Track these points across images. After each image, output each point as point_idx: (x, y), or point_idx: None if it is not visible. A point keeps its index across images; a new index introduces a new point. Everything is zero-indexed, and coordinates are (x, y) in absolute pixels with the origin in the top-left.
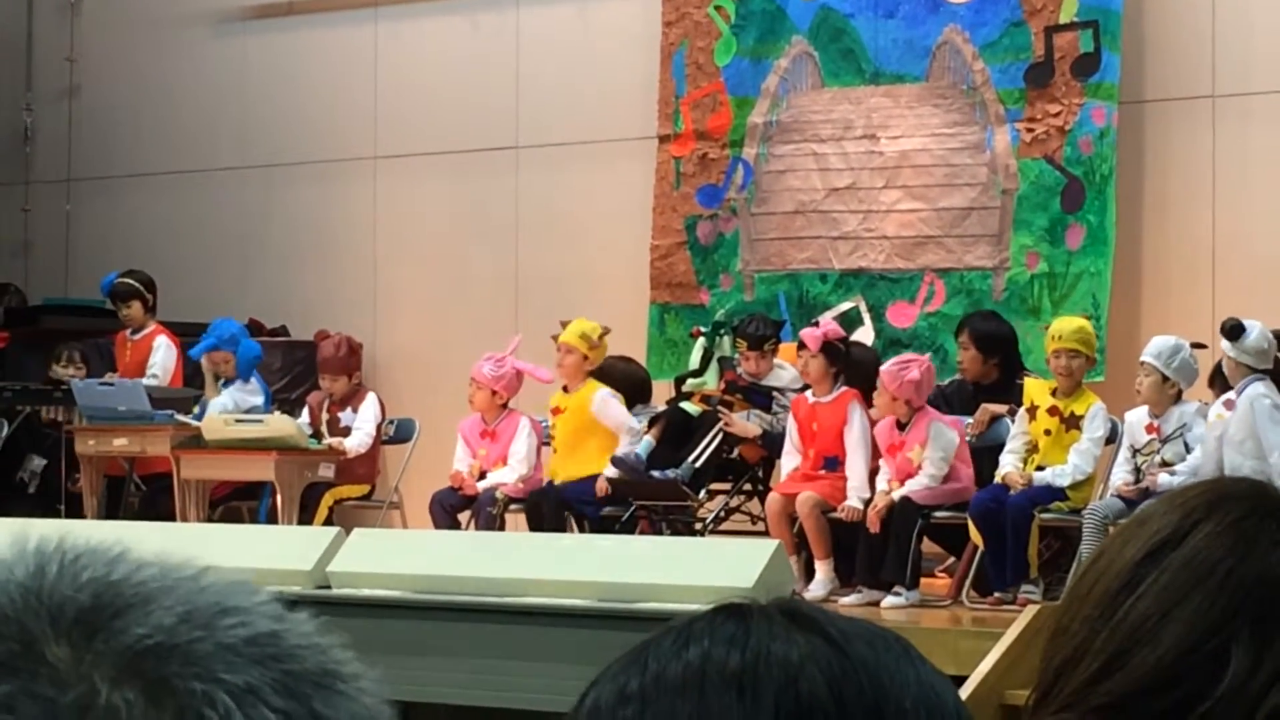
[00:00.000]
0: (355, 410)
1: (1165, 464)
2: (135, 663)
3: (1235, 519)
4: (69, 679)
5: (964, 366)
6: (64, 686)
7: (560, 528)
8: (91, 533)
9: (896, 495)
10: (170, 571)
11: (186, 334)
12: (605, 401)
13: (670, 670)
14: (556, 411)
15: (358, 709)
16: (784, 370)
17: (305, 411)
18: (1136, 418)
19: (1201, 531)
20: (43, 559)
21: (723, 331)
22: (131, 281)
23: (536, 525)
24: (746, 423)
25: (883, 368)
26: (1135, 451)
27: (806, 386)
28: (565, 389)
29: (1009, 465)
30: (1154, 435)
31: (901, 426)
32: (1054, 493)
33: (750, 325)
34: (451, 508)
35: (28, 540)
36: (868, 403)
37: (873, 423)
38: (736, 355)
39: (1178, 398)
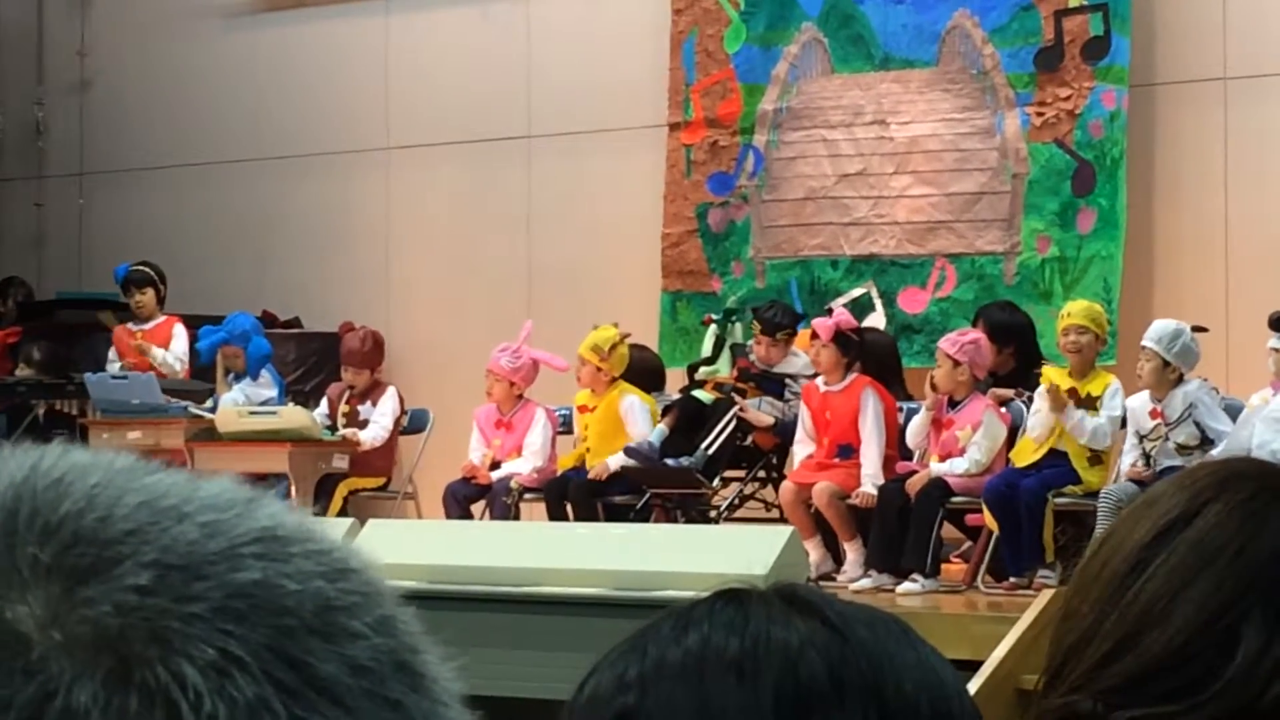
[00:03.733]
0: (375, 404)
1: (1182, 447)
2: (99, 641)
3: (1244, 498)
4: (32, 660)
5: None
6: (26, 675)
7: (592, 515)
8: (71, 459)
9: (934, 471)
10: (152, 502)
11: (200, 327)
12: (631, 408)
13: (669, 656)
14: (584, 410)
15: (359, 651)
16: (796, 357)
17: (324, 402)
18: (1139, 403)
19: (1210, 512)
20: (15, 497)
21: (735, 318)
22: (147, 269)
23: (558, 515)
24: (759, 412)
25: (941, 340)
26: (1142, 437)
27: (818, 373)
28: (592, 390)
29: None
30: (1159, 420)
31: (953, 405)
32: (1068, 476)
33: (769, 311)
34: (465, 498)
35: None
36: (886, 388)
37: (935, 394)
38: (749, 342)
39: (1179, 381)
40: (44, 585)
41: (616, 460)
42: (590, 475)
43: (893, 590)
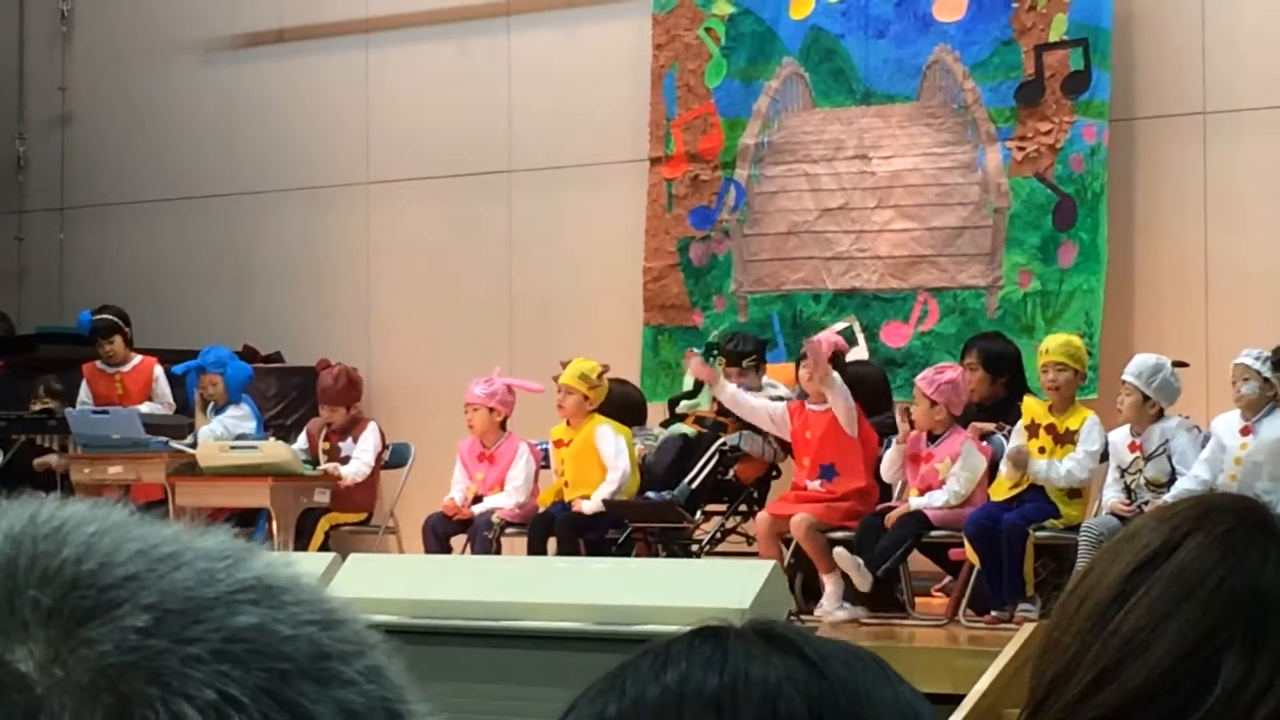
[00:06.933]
0: (355, 440)
1: (1150, 482)
2: (99, 680)
3: (1223, 531)
4: (34, 698)
5: (972, 387)
6: (28, 714)
7: (574, 550)
8: (68, 510)
9: (914, 505)
10: (149, 551)
11: (179, 361)
12: (603, 436)
13: (649, 694)
14: (560, 444)
15: (350, 696)
16: (775, 389)
17: (303, 437)
18: (1119, 437)
19: (1190, 544)
20: (15, 545)
21: (716, 353)
22: (111, 317)
23: (539, 551)
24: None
25: (918, 377)
26: (1123, 471)
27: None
28: (568, 422)
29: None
30: (1137, 454)
31: (932, 439)
32: (1048, 510)
33: (730, 343)
34: (444, 532)
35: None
36: (868, 417)
37: (908, 429)
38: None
39: (1159, 416)
40: (45, 627)
41: (592, 505)
42: (574, 508)
43: (855, 622)
